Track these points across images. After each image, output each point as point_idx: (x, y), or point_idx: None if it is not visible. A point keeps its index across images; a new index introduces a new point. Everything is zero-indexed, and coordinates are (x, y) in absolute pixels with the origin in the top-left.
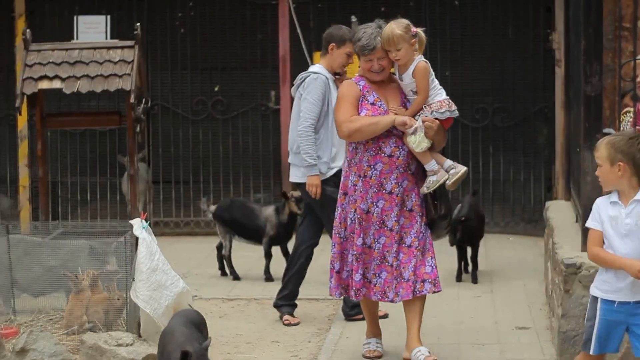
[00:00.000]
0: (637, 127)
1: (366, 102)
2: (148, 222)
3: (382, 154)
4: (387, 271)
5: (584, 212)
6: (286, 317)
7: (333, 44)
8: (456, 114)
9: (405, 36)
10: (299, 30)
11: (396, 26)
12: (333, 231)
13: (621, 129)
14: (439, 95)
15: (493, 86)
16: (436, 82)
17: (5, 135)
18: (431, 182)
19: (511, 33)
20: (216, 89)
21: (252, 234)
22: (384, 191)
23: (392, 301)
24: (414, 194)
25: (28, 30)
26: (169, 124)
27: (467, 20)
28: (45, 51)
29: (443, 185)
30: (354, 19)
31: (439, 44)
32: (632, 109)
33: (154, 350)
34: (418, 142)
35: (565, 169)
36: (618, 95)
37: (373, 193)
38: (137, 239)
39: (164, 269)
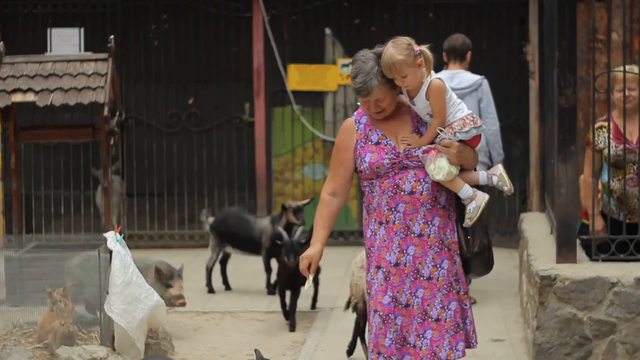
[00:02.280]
0: (620, 146)
1: (370, 142)
2: (122, 235)
3: (402, 192)
4: (432, 328)
5: (558, 224)
6: None
7: (470, 51)
8: (483, 128)
9: (407, 60)
10: (273, 43)
11: (395, 50)
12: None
13: (596, 144)
14: (460, 111)
15: None
16: (454, 98)
17: None
18: (472, 211)
19: (485, 45)
20: (190, 101)
21: (247, 245)
22: (412, 235)
23: (455, 359)
24: (448, 230)
25: (1, 42)
26: (143, 136)
27: (441, 33)
28: (18, 64)
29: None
30: (328, 31)
31: None
32: (606, 124)
33: None
34: (438, 168)
35: (540, 180)
36: (592, 107)
37: (400, 240)
38: (111, 252)
39: (138, 282)
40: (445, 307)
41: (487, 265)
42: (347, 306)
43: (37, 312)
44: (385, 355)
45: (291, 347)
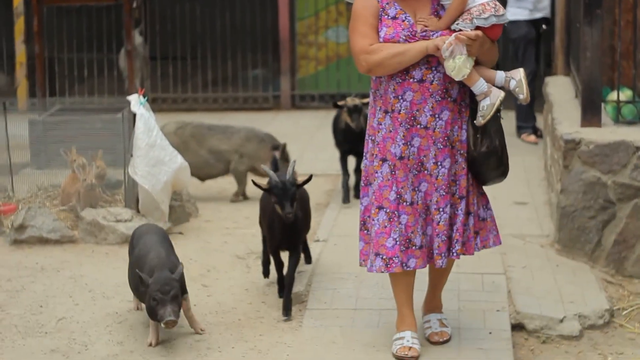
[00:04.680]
0: None
1: (386, 16)
2: (146, 97)
3: (411, 80)
4: (432, 227)
5: (583, 88)
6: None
7: None
8: (505, 19)
9: None
10: None
11: None
12: (361, 182)
13: None
14: None
15: None
16: None
17: (1, 12)
18: (485, 109)
19: None
20: None
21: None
22: (418, 126)
23: (441, 266)
24: (456, 127)
25: None
26: (166, 0)
27: None
28: None
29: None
30: None
31: None
32: None
33: None
34: (458, 68)
35: (565, 44)
36: None
37: (405, 131)
38: (134, 115)
39: (162, 145)
40: (440, 209)
41: (498, 169)
42: None
43: (61, 175)
44: (385, 257)
45: (314, 209)
